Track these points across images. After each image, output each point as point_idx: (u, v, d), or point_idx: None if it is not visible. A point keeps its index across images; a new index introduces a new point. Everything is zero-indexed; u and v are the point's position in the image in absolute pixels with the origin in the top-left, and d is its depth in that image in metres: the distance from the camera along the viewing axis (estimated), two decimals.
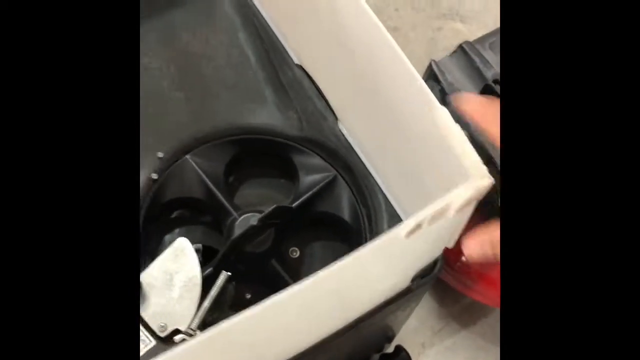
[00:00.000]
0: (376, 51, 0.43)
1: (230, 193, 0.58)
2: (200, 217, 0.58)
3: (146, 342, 0.47)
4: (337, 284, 0.38)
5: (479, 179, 0.36)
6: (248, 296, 0.55)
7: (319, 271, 0.35)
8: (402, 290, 0.49)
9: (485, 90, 0.65)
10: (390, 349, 0.77)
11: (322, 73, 0.56)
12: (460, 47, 0.73)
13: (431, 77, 0.71)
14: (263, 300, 0.33)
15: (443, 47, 1.37)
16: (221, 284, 0.49)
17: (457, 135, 0.38)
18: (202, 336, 0.33)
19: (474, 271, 0.73)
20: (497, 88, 0.64)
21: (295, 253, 0.57)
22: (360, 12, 0.41)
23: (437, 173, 0.43)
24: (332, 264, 0.35)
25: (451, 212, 0.36)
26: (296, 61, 0.58)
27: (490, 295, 0.78)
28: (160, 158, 0.56)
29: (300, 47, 0.58)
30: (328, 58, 0.53)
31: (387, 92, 0.44)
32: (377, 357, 0.76)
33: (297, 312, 0.38)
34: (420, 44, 1.35)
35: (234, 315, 0.33)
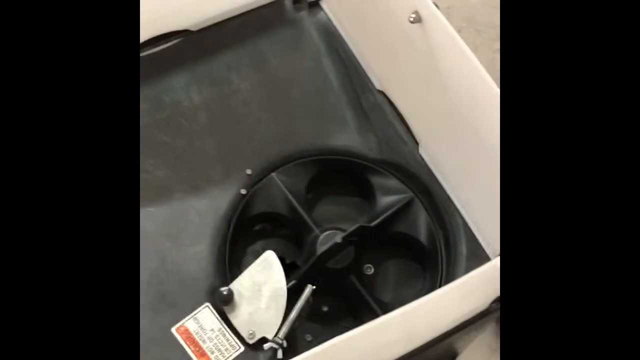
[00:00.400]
0: (465, 81, 0.45)
1: (310, 209, 0.61)
2: (280, 230, 0.62)
3: (236, 348, 0.51)
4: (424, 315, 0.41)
5: None
6: (325, 309, 0.58)
7: (407, 305, 0.37)
8: (480, 312, 0.51)
9: None
10: None
11: (405, 99, 0.59)
12: None
13: None
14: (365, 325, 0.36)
15: None
16: (307, 296, 0.52)
17: None
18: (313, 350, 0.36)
19: None
20: None
21: (370, 270, 0.60)
22: (453, 45, 0.44)
23: None
24: (423, 298, 0.37)
25: None
26: (378, 87, 0.61)
27: None
28: (249, 175, 0.59)
29: (383, 74, 0.61)
30: (412, 85, 0.56)
31: (473, 119, 0.47)
32: None
33: (390, 337, 0.41)
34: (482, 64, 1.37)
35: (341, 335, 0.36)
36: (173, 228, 0.57)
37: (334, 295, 0.58)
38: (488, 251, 0.54)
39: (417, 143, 0.59)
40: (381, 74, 0.61)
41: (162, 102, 0.61)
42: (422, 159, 0.58)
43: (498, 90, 0.42)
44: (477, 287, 0.48)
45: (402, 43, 0.52)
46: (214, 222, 0.57)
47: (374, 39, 0.60)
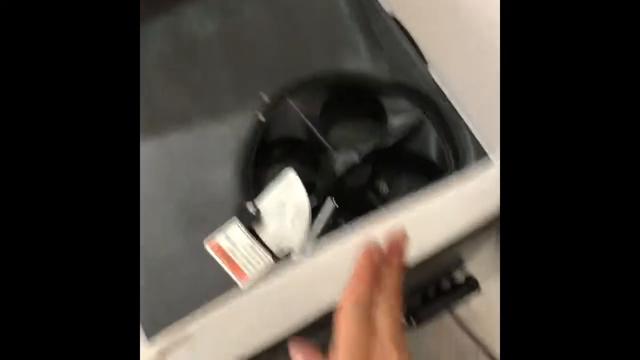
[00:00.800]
0: None
1: (325, 132, 0.64)
2: (298, 153, 0.65)
3: (266, 261, 0.55)
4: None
5: None
6: (343, 223, 0.62)
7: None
8: (486, 219, 0.55)
9: None
10: (460, 277, 0.84)
11: (414, 19, 0.60)
12: None
13: None
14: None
15: None
16: (329, 210, 0.56)
17: None
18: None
19: None
20: None
21: (385, 188, 0.63)
22: None
23: None
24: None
25: None
26: (387, 10, 0.63)
27: None
28: (265, 101, 0.62)
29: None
30: (421, 5, 0.57)
31: (478, 30, 0.48)
32: (449, 284, 0.83)
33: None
34: None
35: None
36: (197, 153, 0.60)
37: (352, 212, 0.62)
38: (497, 164, 0.57)
39: (426, 62, 0.61)
40: None
41: (178, 33, 0.63)
42: (432, 79, 0.60)
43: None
44: (482, 192, 0.51)
45: None
46: (235, 147, 0.60)
47: None
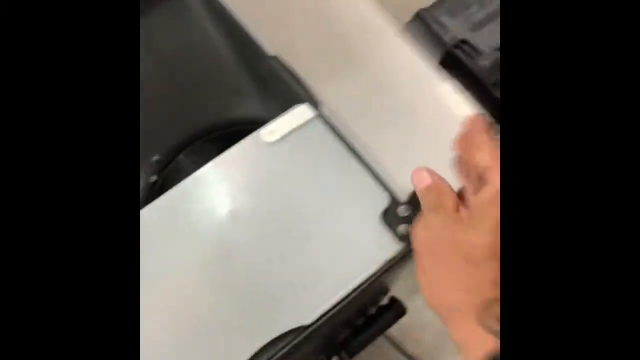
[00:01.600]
0: (359, 27, 0.46)
1: None
2: None
3: None
4: None
5: None
6: None
7: None
8: (396, 255, 0.54)
9: (447, 57, 0.69)
10: (384, 300, 0.84)
11: (299, 60, 0.59)
12: (417, 14, 0.77)
13: None
14: None
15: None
16: None
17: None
18: None
19: None
20: (458, 52, 0.69)
21: None
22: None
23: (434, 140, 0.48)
24: None
25: None
26: (271, 53, 0.61)
27: None
28: (156, 161, 0.59)
29: (273, 38, 0.61)
30: (305, 45, 0.56)
31: (372, 66, 0.48)
32: (374, 310, 0.83)
33: None
34: None
35: None
36: None
37: None
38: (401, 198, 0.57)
39: (318, 103, 0.60)
40: (272, 38, 0.61)
41: None
42: (325, 118, 0.59)
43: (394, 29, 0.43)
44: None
45: (286, 4, 0.52)
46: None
47: (256, 5, 0.59)
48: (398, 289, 0.87)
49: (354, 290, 0.53)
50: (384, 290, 0.82)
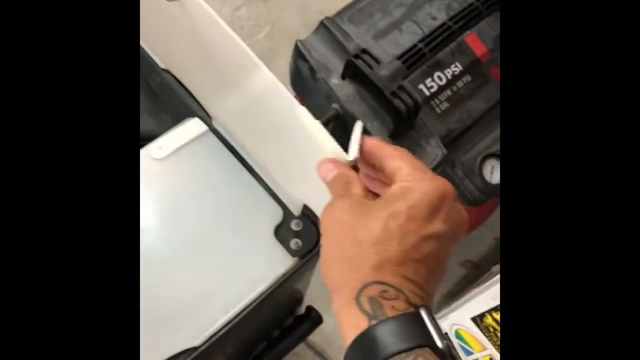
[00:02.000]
0: (229, 55, 0.46)
1: None
2: None
3: None
4: None
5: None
6: None
7: None
8: (288, 270, 0.54)
9: (348, 66, 0.69)
10: (301, 310, 0.83)
11: (188, 75, 0.58)
12: (322, 23, 0.77)
13: (299, 56, 0.75)
14: None
15: (315, 11, 1.41)
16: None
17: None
18: None
19: None
20: (358, 62, 0.69)
21: None
22: (213, 22, 0.43)
23: (304, 160, 0.47)
24: None
25: None
26: (162, 66, 0.60)
27: None
28: None
29: (163, 53, 0.59)
30: (190, 62, 0.55)
31: (248, 84, 0.47)
32: (291, 320, 0.82)
33: None
34: (292, 10, 1.38)
35: None
36: None
37: None
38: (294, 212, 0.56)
39: (210, 117, 0.59)
40: (161, 52, 0.60)
41: None
42: (219, 133, 0.58)
43: (256, 58, 0.42)
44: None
45: (169, 22, 0.51)
46: None
47: (145, 19, 0.57)
48: (316, 298, 0.86)
49: (246, 307, 0.52)
50: (298, 301, 0.81)
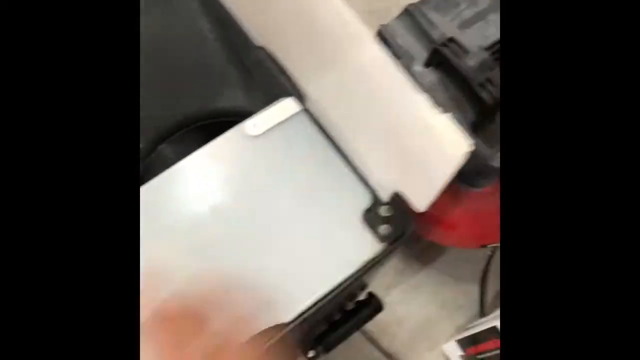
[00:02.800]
0: (340, 28, 0.45)
1: None
2: None
3: None
4: None
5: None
6: None
7: None
8: (376, 255, 0.54)
9: (434, 55, 0.69)
10: (362, 295, 0.84)
11: (286, 53, 0.58)
12: (406, 9, 0.76)
13: (383, 41, 0.75)
14: None
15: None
16: None
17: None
18: None
19: (432, 217, 0.80)
20: (445, 51, 0.68)
21: None
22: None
23: (410, 146, 0.47)
24: None
25: None
26: (258, 43, 0.60)
27: (446, 237, 0.86)
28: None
29: (262, 29, 0.60)
30: (293, 38, 0.55)
31: (355, 63, 0.47)
32: (352, 305, 0.82)
33: None
34: None
35: None
36: None
37: None
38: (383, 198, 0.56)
39: (303, 98, 0.59)
40: (260, 29, 0.60)
41: None
42: (310, 112, 0.59)
43: (371, 32, 0.42)
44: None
45: None
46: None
47: None
48: (374, 284, 0.87)
49: (334, 289, 0.53)
50: (363, 287, 0.81)
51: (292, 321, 0.51)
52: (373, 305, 0.82)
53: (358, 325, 0.82)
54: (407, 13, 0.76)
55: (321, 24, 0.48)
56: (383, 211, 0.55)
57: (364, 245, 0.54)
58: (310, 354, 0.80)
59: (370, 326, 0.97)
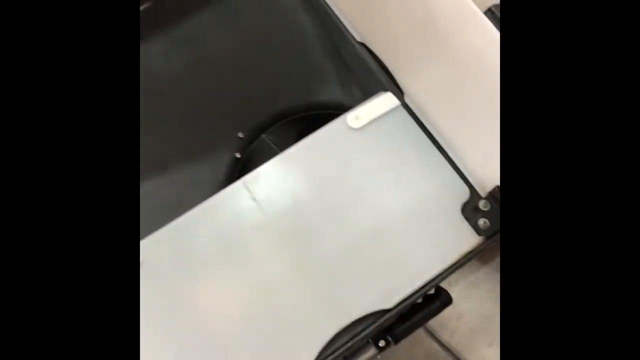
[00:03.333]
0: (462, 27, 0.47)
1: None
2: None
3: None
4: None
5: None
6: None
7: None
8: (475, 247, 0.56)
9: None
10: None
11: (389, 49, 0.60)
12: None
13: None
14: None
15: None
16: None
17: None
18: None
19: None
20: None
21: None
22: None
23: None
24: None
25: None
26: (358, 39, 0.62)
27: None
28: (240, 138, 0.60)
29: (364, 25, 0.61)
30: (399, 35, 0.57)
31: (471, 67, 0.48)
32: (421, 298, 0.84)
33: None
34: None
35: None
36: (173, 198, 0.57)
37: None
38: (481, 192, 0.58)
39: (402, 92, 0.61)
40: (361, 25, 0.61)
41: (144, 70, 0.59)
42: (408, 107, 0.60)
43: (498, 35, 0.43)
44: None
45: None
46: (212, 188, 0.58)
47: None
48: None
49: (433, 279, 0.55)
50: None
51: (394, 307, 0.53)
52: (442, 299, 0.83)
53: (427, 318, 0.84)
54: None
55: (432, 11, 0.49)
56: (482, 205, 0.56)
57: (462, 238, 0.56)
58: (381, 343, 0.82)
59: (431, 320, 0.99)
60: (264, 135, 0.61)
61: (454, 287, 0.98)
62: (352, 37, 0.62)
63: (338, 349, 0.52)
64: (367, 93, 0.62)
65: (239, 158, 0.60)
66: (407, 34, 0.55)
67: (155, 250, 0.52)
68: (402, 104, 0.60)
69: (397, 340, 0.81)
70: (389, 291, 0.53)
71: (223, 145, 0.60)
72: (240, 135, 0.60)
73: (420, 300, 0.85)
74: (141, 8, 0.61)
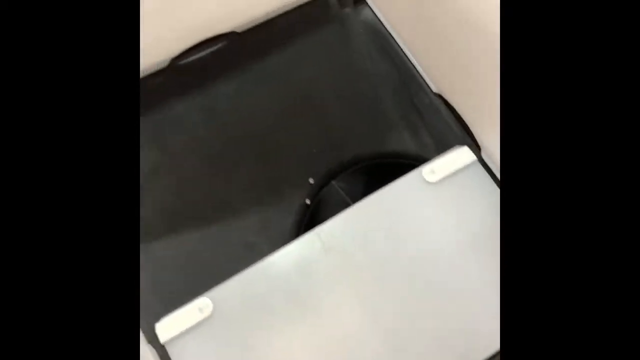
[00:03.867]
0: None
1: None
2: None
3: None
4: None
5: None
6: None
7: None
8: None
9: None
10: None
11: (467, 101, 0.59)
12: None
13: None
14: None
15: None
16: None
17: None
18: None
19: None
20: None
21: None
22: None
23: None
24: None
25: None
26: (434, 90, 0.61)
27: None
28: (311, 184, 0.59)
29: (440, 74, 0.60)
30: (479, 86, 0.56)
31: None
32: None
33: None
34: None
35: None
36: (239, 246, 0.56)
37: None
38: None
39: (478, 147, 0.59)
40: (438, 74, 0.61)
41: (215, 110, 0.59)
42: (484, 162, 0.59)
43: None
44: None
45: (466, 40, 0.52)
46: (281, 234, 0.57)
47: (429, 37, 0.59)
48: None
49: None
50: None
51: None
52: None
53: None
54: None
55: None
56: None
57: None
58: None
59: None
60: (333, 182, 0.60)
61: None
62: (428, 87, 0.61)
63: None
64: (440, 144, 0.61)
65: (308, 204, 0.59)
66: (488, 88, 0.54)
67: (228, 300, 0.51)
68: (478, 160, 0.59)
69: None
70: (462, 356, 0.52)
71: (294, 191, 0.59)
72: (311, 181, 0.59)
73: None
74: (214, 48, 0.61)
